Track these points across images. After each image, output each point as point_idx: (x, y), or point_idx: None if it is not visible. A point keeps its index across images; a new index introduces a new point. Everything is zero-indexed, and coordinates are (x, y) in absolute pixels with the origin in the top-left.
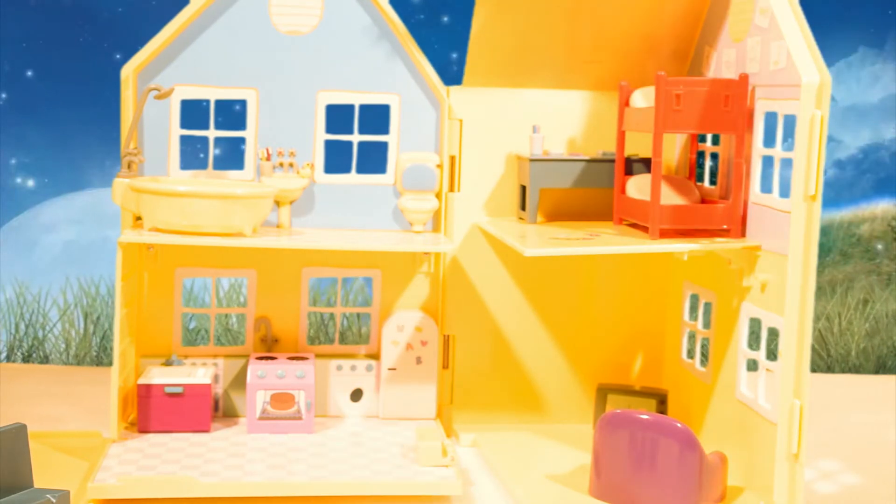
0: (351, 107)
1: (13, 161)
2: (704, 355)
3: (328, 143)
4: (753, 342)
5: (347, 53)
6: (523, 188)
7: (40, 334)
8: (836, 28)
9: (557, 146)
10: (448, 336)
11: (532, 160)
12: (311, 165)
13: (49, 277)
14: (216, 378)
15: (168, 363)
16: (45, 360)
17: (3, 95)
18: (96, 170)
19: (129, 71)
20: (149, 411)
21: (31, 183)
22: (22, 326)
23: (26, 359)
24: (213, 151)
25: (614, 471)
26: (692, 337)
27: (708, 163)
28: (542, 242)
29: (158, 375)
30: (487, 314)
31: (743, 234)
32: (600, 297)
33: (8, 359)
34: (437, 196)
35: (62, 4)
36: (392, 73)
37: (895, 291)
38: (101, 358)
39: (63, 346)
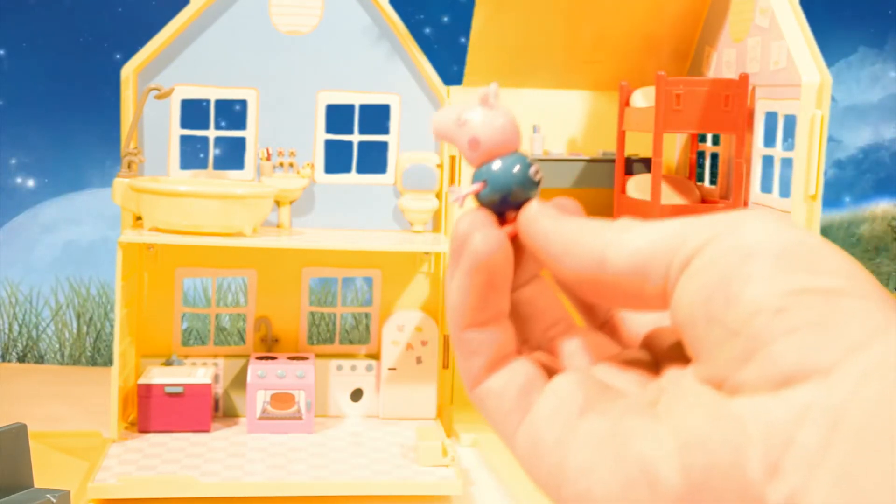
0: (351, 107)
1: (13, 161)
2: None
3: (328, 143)
4: None
5: (347, 53)
6: None
7: (34, 334)
8: (836, 28)
9: (557, 146)
10: (448, 336)
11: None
12: (311, 165)
13: (49, 277)
14: (216, 378)
15: (168, 363)
16: (41, 360)
17: (3, 95)
18: (96, 170)
19: (129, 71)
20: (149, 411)
21: (30, 183)
22: (16, 327)
23: (21, 359)
24: (213, 151)
25: None
26: None
27: (708, 163)
28: None
29: (158, 375)
30: None
31: None
32: None
33: (3, 359)
34: (438, 196)
35: (62, 4)
36: (392, 73)
37: (895, 291)
38: (96, 358)
39: (57, 346)
